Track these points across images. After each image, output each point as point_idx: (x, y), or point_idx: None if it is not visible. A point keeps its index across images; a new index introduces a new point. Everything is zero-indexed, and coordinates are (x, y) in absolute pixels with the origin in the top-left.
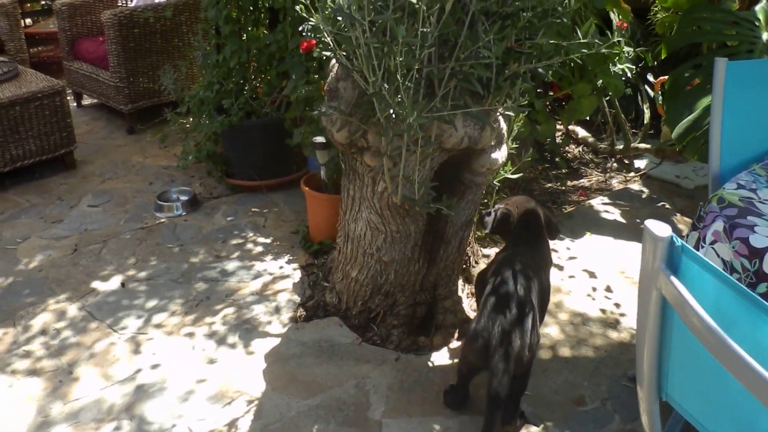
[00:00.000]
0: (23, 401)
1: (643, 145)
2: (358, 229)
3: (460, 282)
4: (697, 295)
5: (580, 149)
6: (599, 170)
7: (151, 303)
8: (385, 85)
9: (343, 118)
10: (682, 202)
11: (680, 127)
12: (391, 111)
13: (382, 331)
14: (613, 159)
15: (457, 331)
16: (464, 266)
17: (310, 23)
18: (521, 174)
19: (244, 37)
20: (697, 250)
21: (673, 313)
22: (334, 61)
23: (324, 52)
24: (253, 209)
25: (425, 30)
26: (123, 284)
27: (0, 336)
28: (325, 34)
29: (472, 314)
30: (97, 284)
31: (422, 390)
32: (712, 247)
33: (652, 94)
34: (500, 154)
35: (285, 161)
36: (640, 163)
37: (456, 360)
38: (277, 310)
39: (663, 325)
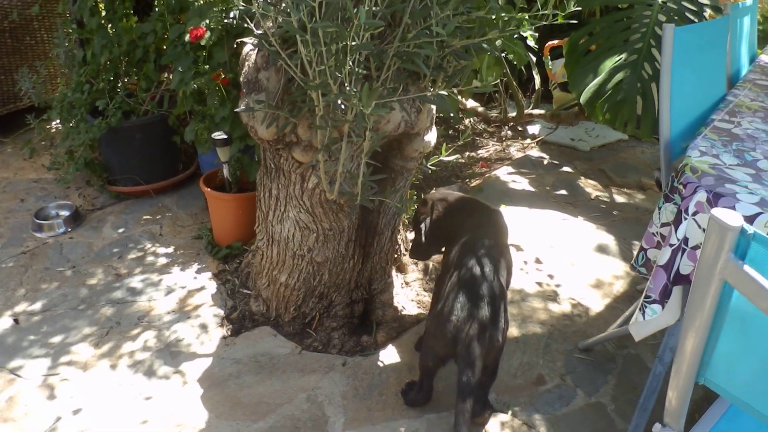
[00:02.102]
0: None
1: (537, 111)
2: (284, 231)
3: (393, 272)
4: None
5: (471, 120)
6: (495, 140)
7: (56, 338)
8: (337, 74)
9: (270, 112)
10: (582, 165)
11: (587, 92)
12: (340, 101)
13: (322, 335)
14: (506, 127)
15: (396, 326)
16: (395, 255)
17: (240, 7)
18: (456, 156)
19: (111, 29)
20: (679, 222)
21: (729, 302)
22: (247, 49)
23: (244, 40)
24: (144, 217)
25: (375, 9)
26: (16, 320)
27: None
28: (246, 21)
29: (410, 305)
30: None
31: (379, 394)
32: (694, 219)
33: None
34: (432, 137)
35: (171, 161)
36: (533, 129)
37: (406, 356)
38: (201, 327)
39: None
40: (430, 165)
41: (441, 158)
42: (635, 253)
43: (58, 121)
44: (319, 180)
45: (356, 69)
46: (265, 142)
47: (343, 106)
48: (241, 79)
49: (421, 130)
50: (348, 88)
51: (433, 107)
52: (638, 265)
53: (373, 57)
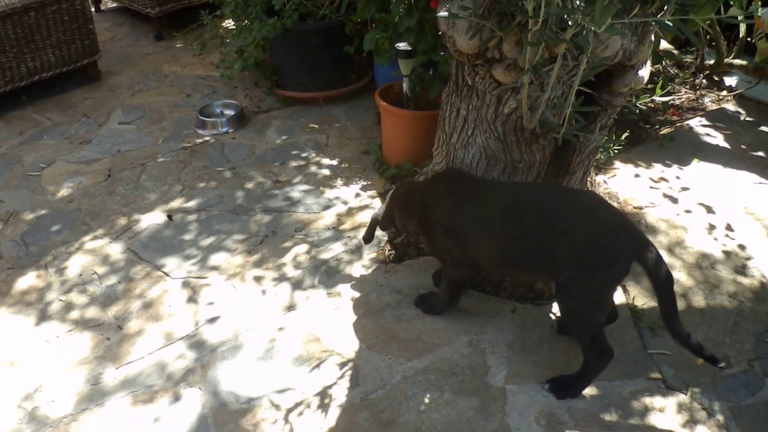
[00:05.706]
0: (68, 364)
1: (738, 62)
2: (468, 157)
3: None
4: None
5: (662, 64)
6: (687, 87)
7: (207, 240)
8: None
9: (476, 21)
10: None
11: None
12: (566, 16)
13: (493, 276)
14: (701, 75)
15: None
16: None
17: None
18: (671, 97)
19: None
20: None
21: None
22: None
23: None
24: (311, 125)
25: None
26: (170, 217)
27: (32, 282)
28: None
29: None
30: (138, 217)
31: (549, 350)
32: None
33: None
34: (645, 72)
35: (344, 70)
36: (730, 81)
37: None
38: (360, 248)
39: None
40: (643, 101)
41: (654, 98)
42: None
43: (231, 21)
44: (518, 105)
45: None
46: (463, 55)
47: (569, 23)
48: None
49: (637, 63)
50: (576, 2)
51: (653, 39)
52: None
53: None
